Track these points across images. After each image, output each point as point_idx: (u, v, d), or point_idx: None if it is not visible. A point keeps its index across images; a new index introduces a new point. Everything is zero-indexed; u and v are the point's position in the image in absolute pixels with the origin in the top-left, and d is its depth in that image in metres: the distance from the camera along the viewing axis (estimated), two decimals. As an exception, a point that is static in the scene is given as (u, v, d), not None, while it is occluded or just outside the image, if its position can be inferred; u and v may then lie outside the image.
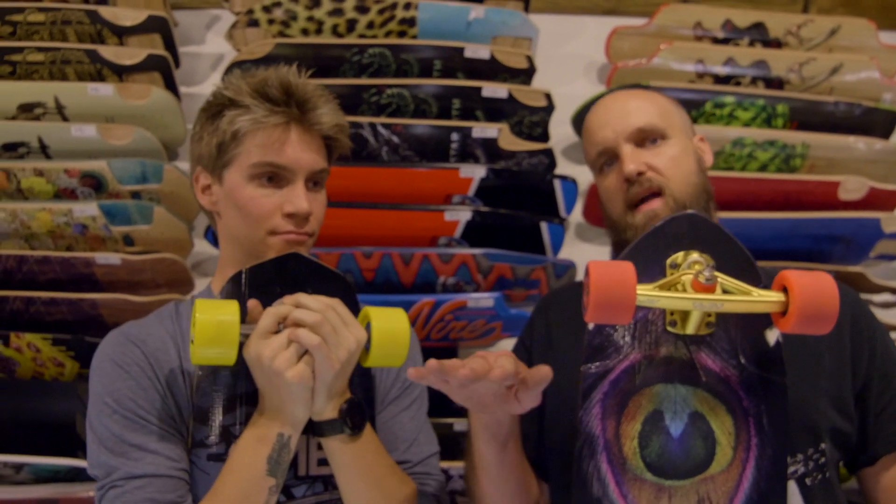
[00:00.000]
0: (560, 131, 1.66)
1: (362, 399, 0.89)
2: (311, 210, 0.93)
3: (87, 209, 1.46)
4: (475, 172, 1.52)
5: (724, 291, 0.79)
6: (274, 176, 0.92)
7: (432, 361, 0.76)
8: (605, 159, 1.05)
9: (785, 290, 0.77)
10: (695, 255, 0.84)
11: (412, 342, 1.03)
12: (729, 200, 1.55)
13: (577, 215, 1.64)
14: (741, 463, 0.81)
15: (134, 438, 0.86)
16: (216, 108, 0.94)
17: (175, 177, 1.50)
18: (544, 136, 1.61)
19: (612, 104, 1.07)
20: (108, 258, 1.46)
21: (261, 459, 0.82)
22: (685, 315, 0.83)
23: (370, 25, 1.56)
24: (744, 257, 0.85)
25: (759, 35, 1.65)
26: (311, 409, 0.84)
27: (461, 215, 1.51)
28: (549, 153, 1.58)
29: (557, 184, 1.56)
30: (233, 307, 0.81)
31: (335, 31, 1.57)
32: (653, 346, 0.84)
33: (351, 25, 1.56)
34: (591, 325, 0.86)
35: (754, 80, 1.63)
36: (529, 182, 1.56)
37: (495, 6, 1.60)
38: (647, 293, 0.76)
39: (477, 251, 1.49)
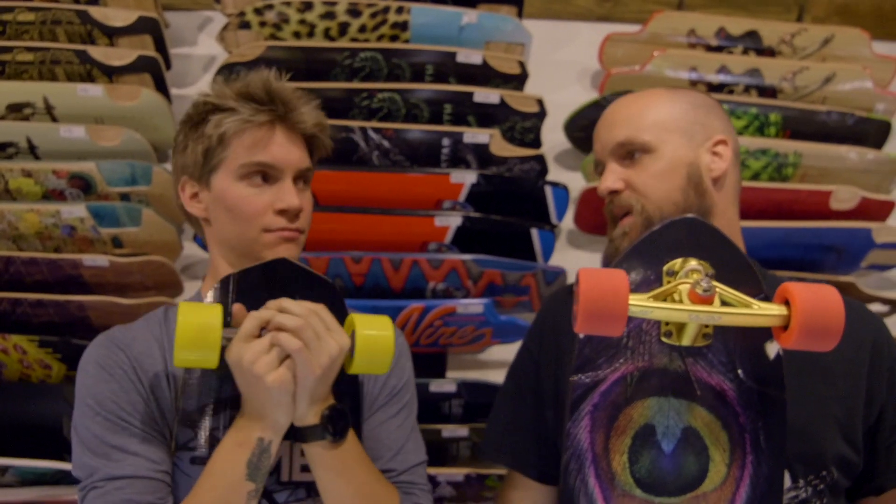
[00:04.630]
0: (552, 137, 1.65)
1: (348, 406, 0.88)
2: (302, 206, 0.94)
3: (75, 210, 1.45)
4: (466, 178, 1.52)
5: (723, 303, 0.75)
6: (263, 175, 0.93)
7: None
8: (601, 170, 1.03)
9: (787, 303, 0.73)
10: (693, 263, 0.79)
11: (402, 349, 1.03)
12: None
13: (568, 222, 1.64)
14: (735, 481, 0.78)
15: (115, 440, 0.86)
16: (200, 115, 0.94)
17: (164, 179, 1.49)
18: (536, 143, 1.60)
19: (607, 114, 1.03)
20: (95, 260, 1.45)
21: (240, 464, 0.82)
22: (681, 326, 0.80)
23: (362, 29, 1.56)
24: (745, 266, 0.81)
25: (752, 43, 1.64)
26: (292, 415, 0.83)
27: (451, 221, 1.51)
28: (540, 159, 1.57)
29: (549, 190, 1.55)
30: (215, 311, 0.80)
31: (327, 34, 1.56)
32: (646, 358, 0.81)
33: (343, 29, 1.55)
34: (581, 334, 0.83)
35: (747, 89, 1.62)
36: (520, 188, 1.55)
37: (489, 11, 1.59)
38: (641, 304, 0.72)
39: (467, 257, 1.48)
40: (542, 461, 1.03)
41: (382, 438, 0.97)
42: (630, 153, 0.98)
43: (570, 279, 1.55)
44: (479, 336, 1.54)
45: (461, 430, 1.49)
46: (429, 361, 1.59)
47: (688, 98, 1.01)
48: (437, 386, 1.51)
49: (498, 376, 1.54)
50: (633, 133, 0.97)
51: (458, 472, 1.46)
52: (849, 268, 1.60)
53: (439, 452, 1.49)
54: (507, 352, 1.58)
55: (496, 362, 1.65)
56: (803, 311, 0.70)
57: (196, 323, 0.78)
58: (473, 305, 1.49)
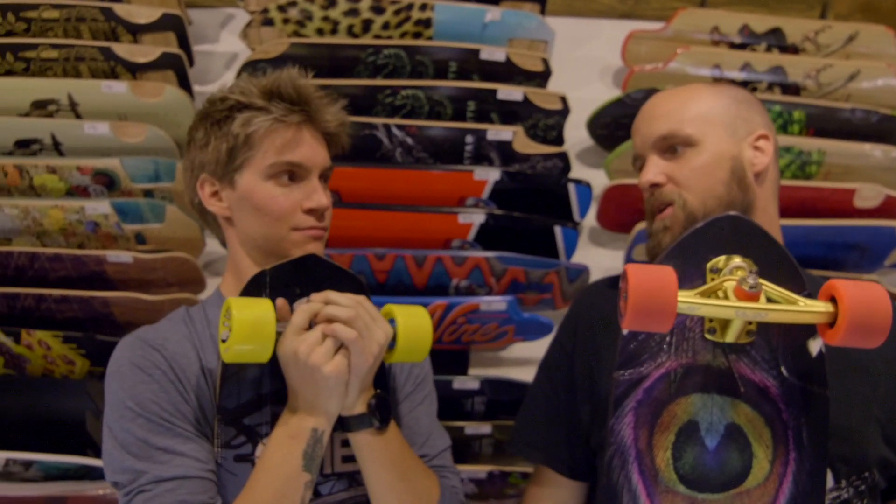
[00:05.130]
0: (575, 135, 1.65)
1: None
2: (329, 204, 0.96)
3: (99, 207, 1.45)
4: (489, 175, 1.51)
5: (769, 300, 0.75)
6: (290, 174, 0.93)
7: None
8: (640, 164, 1.02)
9: (833, 300, 0.74)
10: (737, 260, 0.80)
11: None
12: (743, 206, 1.54)
13: (590, 219, 1.63)
14: (778, 477, 0.79)
15: (160, 441, 0.85)
16: (223, 112, 0.93)
17: (188, 176, 1.49)
18: (559, 140, 1.60)
19: (647, 108, 1.03)
20: (119, 256, 1.45)
21: (296, 455, 0.82)
22: (725, 323, 0.80)
23: (385, 26, 1.55)
24: (788, 263, 0.81)
25: (776, 41, 1.63)
26: (342, 404, 0.84)
27: (475, 218, 1.51)
28: (563, 157, 1.57)
29: (572, 188, 1.55)
30: (267, 305, 0.81)
31: (350, 31, 1.56)
32: (690, 354, 0.81)
33: (366, 26, 1.55)
34: (625, 330, 0.83)
35: (771, 86, 1.61)
36: (544, 185, 1.55)
37: (512, 8, 1.59)
38: (688, 300, 0.73)
39: (490, 254, 1.48)
40: (575, 457, 1.03)
41: (413, 426, 0.99)
42: (672, 147, 0.97)
43: (593, 277, 1.54)
44: (501, 333, 1.54)
45: (484, 427, 1.49)
46: (451, 359, 1.59)
47: (729, 93, 1.01)
48: (459, 383, 1.51)
49: (520, 374, 1.55)
50: (676, 126, 0.97)
51: (480, 470, 1.46)
52: (872, 266, 1.59)
53: (462, 449, 1.49)
54: (530, 349, 1.58)
55: (519, 360, 1.65)
56: (851, 307, 0.71)
57: (251, 316, 0.78)
58: (496, 303, 1.49)
